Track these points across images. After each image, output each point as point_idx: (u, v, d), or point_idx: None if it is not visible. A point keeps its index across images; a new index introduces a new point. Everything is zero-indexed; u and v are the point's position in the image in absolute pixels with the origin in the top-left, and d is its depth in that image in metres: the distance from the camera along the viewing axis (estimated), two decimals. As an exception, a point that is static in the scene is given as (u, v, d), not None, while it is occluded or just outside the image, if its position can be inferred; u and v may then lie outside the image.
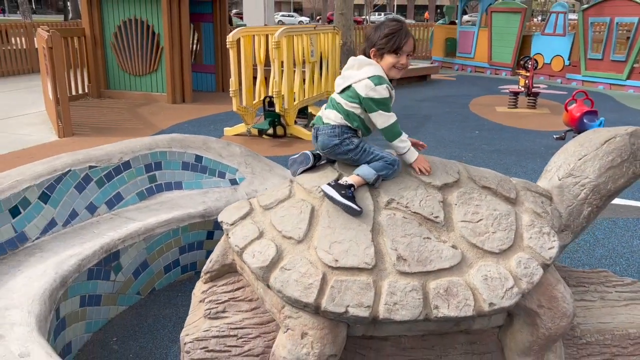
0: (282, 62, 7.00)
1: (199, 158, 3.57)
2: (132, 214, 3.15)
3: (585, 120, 6.07)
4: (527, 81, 9.29)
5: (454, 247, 2.22)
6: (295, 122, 8.04)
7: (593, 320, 2.56)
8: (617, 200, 4.96)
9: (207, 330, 2.41)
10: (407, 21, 47.94)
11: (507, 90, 9.60)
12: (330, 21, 45.70)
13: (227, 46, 6.82)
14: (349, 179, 2.28)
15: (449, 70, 15.92)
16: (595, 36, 12.88)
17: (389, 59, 2.36)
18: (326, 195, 2.25)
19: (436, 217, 2.27)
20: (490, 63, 14.81)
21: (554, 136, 6.71)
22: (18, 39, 14.23)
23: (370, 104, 2.31)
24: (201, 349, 2.37)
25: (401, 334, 2.42)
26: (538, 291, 2.29)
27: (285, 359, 2.19)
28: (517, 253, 2.25)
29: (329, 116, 2.40)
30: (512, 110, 9.51)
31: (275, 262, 2.21)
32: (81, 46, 10.15)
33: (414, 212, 2.28)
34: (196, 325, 2.46)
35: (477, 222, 2.29)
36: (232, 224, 2.43)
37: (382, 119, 2.34)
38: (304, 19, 57.55)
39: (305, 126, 8.00)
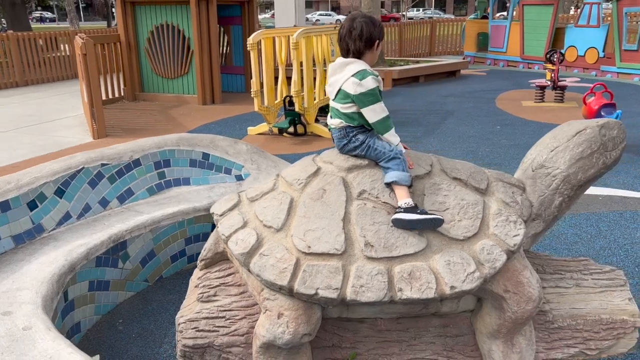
0: (302, 62, 7.20)
1: (206, 155, 3.81)
2: (142, 207, 3.41)
3: (602, 113, 6.03)
4: (553, 74, 9.20)
5: (419, 234, 2.36)
6: (318, 120, 8.25)
7: (566, 306, 2.66)
8: (628, 193, 4.95)
9: (198, 312, 2.63)
10: (446, 16, 47.41)
11: (535, 84, 9.53)
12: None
13: (248, 48, 7.08)
14: (404, 200, 2.35)
15: (481, 65, 15.81)
16: (631, 26, 12.58)
17: (379, 48, 2.52)
18: (405, 223, 2.30)
19: (405, 206, 2.42)
20: (522, 57, 14.63)
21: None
22: (66, 45, 14.94)
23: (362, 99, 2.42)
24: (192, 329, 2.59)
25: (376, 317, 2.59)
26: (504, 276, 2.41)
27: (265, 337, 2.39)
28: (482, 240, 2.38)
29: (333, 123, 2.57)
30: (539, 104, 9.44)
31: (255, 249, 2.40)
32: (117, 52, 10.62)
33: (384, 202, 2.43)
34: (190, 308, 2.69)
35: (444, 210, 2.42)
36: (221, 215, 2.64)
37: (372, 114, 2.45)
38: (341, 17, 57.61)
39: (326, 125, 8.19)
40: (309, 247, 2.34)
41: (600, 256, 3.72)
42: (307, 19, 50.62)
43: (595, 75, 12.88)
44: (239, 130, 8.12)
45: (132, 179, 3.50)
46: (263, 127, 7.71)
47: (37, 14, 55.97)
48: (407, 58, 15.48)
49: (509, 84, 11.97)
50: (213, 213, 2.69)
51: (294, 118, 7.32)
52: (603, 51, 12.84)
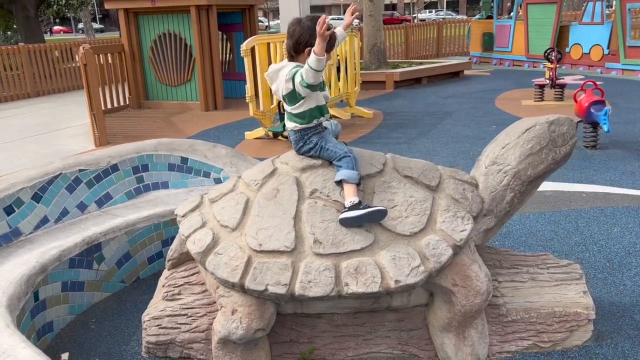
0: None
1: (184, 159, 3.92)
2: (119, 211, 3.53)
3: (592, 110, 6.02)
4: (551, 73, 9.18)
5: (367, 230, 2.43)
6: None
7: (521, 300, 2.70)
8: (612, 189, 4.95)
9: (162, 310, 2.74)
10: (459, 17, 47.16)
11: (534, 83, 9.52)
12: (379, 22, 45.56)
13: (242, 55, 7.20)
14: (350, 198, 2.42)
15: (487, 65, 15.77)
16: (634, 23, 12.50)
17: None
18: (351, 220, 2.38)
19: (354, 204, 2.50)
20: (527, 56, 14.57)
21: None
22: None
23: (297, 89, 2.46)
24: (156, 326, 2.70)
25: (332, 312, 2.67)
26: (453, 270, 2.48)
27: (220, 333, 2.49)
28: (429, 235, 2.44)
29: (290, 126, 2.66)
30: (538, 103, 9.42)
31: (210, 248, 2.50)
32: (121, 61, 10.83)
33: (334, 201, 2.51)
34: (156, 306, 2.80)
35: (392, 207, 2.49)
36: (183, 216, 2.74)
37: (306, 74, 2.38)
38: (354, 21, 57.65)
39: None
40: (261, 245, 2.43)
41: (574, 252, 3.75)
42: (318, 24, 50.58)
43: (601, 73, 12.79)
44: (237, 135, 8.24)
45: (110, 183, 3.63)
46: (260, 131, 7.82)
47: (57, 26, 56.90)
48: (411, 60, 15.50)
49: (511, 84, 11.94)
50: (176, 214, 2.80)
51: (289, 122, 7.41)
52: (607, 48, 12.74)
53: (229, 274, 2.40)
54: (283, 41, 7.45)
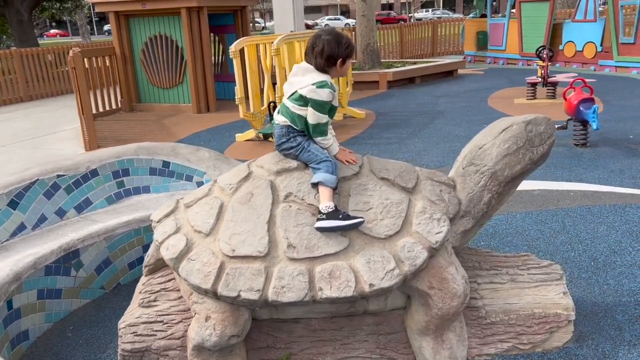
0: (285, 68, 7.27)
1: (166, 163, 3.89)
2: (99, 216, 3.50)
3: (581, 108, 6.00)
4: (543, 71, 9.15)
5: (342, 234, 2.40)
6: (307, 125, 8.31)
7: (500, 302, 2.67)
8: (601, 187, 4.92)
9: (138, 317, 2.70)
10: (455, 15, 47.15)
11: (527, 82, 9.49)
12: (376, 22, 45.56)
13: (230, 56, 7.17)
14: (326, 203, 2.39)
15: (481, 64, 15.74)
16: (627, 19, 12.44)
17: (345, 65, 2.56)
18: (329, 230, 2.35)
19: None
20: (521, 54, 14.54)
21: (556, 126, 6.63)
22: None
23: (311, 104, 2.48)
24: (131, 333, 2.66)
25: (309, 317, 2.63)
26: (429, 273, 2.44)
27: (194, 340, 2.46)
28: (404, 238, 2.41)
29: (278, 119, 2.63)
30: (531, 101, 9.39)
31: (183, 254, 2.47)
32: (112, 64, 10.79)
33: (309, 204, 2.48)
34: (132, 313, 2.76)
35: (367, 210, 2.46)
36: (158, 221, 2.71)
37: (313, 117, 2.50)
38: (351, 21, 57.73)
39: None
40: (234, 250, 2.40)
41: (559, 251, 3.72)
42: (316, 24, 50.76)
43: (594, 70, 12.76)
44: (228, 137, 8.21)
45: (90, 188, 3.59)
46: (250, 133, 7.79)
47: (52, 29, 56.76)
48: (405, 60, 15.48)
49: (505, 82, 11.92)
50: (151, 220, 2.76)
51: (279, 123, 7.38)
52: (601, 45, 12.72)
53: (201, 280, 2.37)
54: (272, 42, 7.42)
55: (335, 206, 2.41)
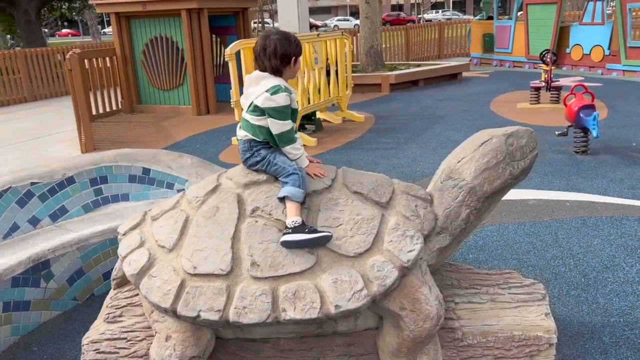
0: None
1: (146, 170, 3.80)
2: (74, 225, 3.41)
3: (581, 115, 5.85)
4: (546, 75, 8.99)
5: (309, 252, 2.29)
6: (305, 128, 8.22)
7: (478, 323, 2.55)
8: (598, 198, 4.77)
9: (102, 334, 2.60)
10: (465, 17, 46.87)
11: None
12: (384, 22, 45.41)
13: (226, 59, 7.08)
14: (292, 218, 2.29)
15: (487, 67, 15.57)
16: (635, 23, 12.25)
17: (297, 65, 2.50)
18: (292, 244, 2.25)
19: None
20: (528, 57, 14.35)
21: (556, 132, 6.49)
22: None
23: (269, 112, 2.41)
24: (94, 350, 2.57)
25: (277, 337, 2.52)
26: (401, 293, 2.33)
27: (155, 360, 2.36)
28: (374, 256, 2.30)
29: (240, 135, 2.55)
30: (534, 106, 9.23)
31: (145, 270, 2.37)
32: (113, 65, 10.75)
33: (277, 219, 2.37)
34: (97, 328, 2.66)
35: (337, 226, 2.35)
36: (124, 234, 2.61)
37: (275, 126, 2.43)
38: (359, 22, 57.56)
39: (314, 132, 8.14)
40: (195, 267, 2.29)
41: (549, 266, 3.59)
42: (325, 24, 50.58)
43: (602, 74, 12.56)
44: (224, 140, 8.13)
45: (66, 196, 3.51)
46: (246, 137, 7.69)
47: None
48: (409, 62, 15.33)
49: (509, 86, 11.75)
50: (118, 232, 2.67)
51: (275, 127, 7.29)
52: (608, 49, 12.51)
53: (160, 299, 2.27)
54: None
55: (303, 221, 2.31)
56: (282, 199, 2.38)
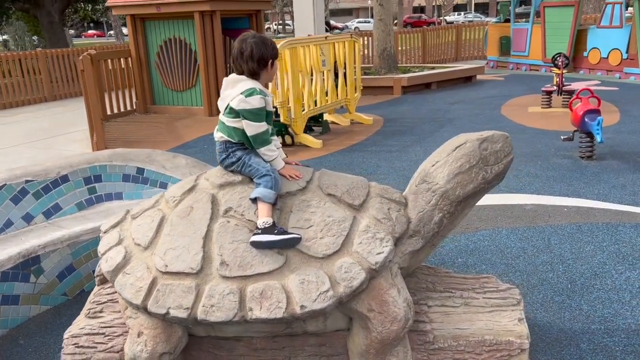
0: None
1: (140, 170, 3.87)
2: (67, 222, 3.50)
3: (586, 119, 5.78)
4: (558, 79, 8.89)
5: (279, 252, 2.33)
6: (312, 130, 8.25)
7: (450, 326, 2.55)
8: (597, 204, 4.72)
9: (82, 328, 2.67)
10: (487, 19, 46.44)
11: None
12: (406, 25, 45.25)
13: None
14: (263, 219, 2.33)
15: (503, 70, 15.43)
16: (654, 26, 12.00)
17: (274, 67, 2.55)
18: (261, 245, 2.29)
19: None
20: (544, 60, 14.18)
21: (562, 137, 6.42)
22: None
23: (244, 114, 2.46)
24: (73, 344, 2.63)
25: (249, 335, 2.56)
26: (369, 295, 2.35)
27: (127, 355, 2.42)
28: (342, 258, 2.32)
29: (216, 136, 2.60)
30: (545, 110, 9.13)
31: (120, 267, 2.43)
32: (128, 66, 10.93)
33: (248, 220, 2.41)
34: (78, 323, 2.74)
35: (308, 228, 2.38)
36: (105, 232, 2.68)
37: (250, 128, 2.48)
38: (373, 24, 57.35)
39: (321, 134, 8.18)
40: (167, 266, 2.35)
41: (537, 271, 3.56)
42: (346, 26, 50.56)
43: (619, 78, 12.36)
44: (232, 141, 8.19)
45: (60, 194, 3.60)
46: (253, 138, 7.76)
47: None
48: (424, 65, 15.27)
49: (523, 89, 11.64)
50: (101, 230, 2.74)
51: (281, 129, 7.35)
52: (626, 52, 12.32)
53: (132, 295, 2.32)
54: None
55: (274, 222, 2.35)
56: (254, 200, 2.42)
